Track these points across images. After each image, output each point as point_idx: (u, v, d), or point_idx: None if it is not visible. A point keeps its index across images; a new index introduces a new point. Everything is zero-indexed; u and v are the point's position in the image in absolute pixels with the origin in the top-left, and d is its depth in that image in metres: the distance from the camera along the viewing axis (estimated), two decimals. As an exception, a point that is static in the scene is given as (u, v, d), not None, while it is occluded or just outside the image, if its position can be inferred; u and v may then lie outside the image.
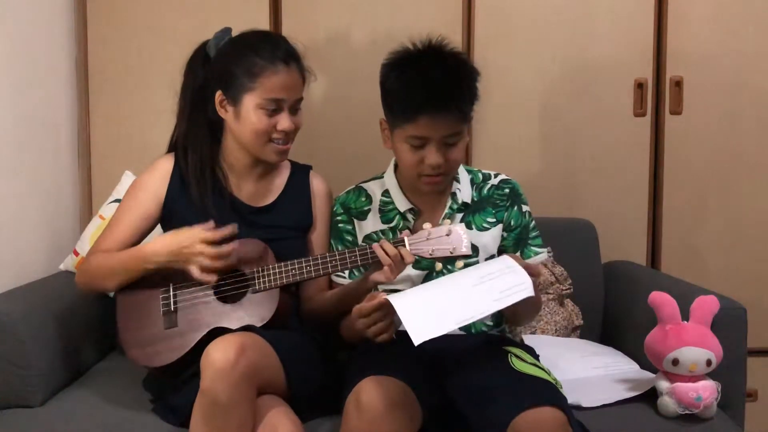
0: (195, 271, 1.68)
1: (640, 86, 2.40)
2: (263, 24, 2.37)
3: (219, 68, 1.81)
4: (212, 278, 1.69)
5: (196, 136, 1.84)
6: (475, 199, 1.84)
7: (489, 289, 1.49)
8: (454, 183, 1.82)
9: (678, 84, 2.40)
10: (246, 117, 1.76)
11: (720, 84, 2.41)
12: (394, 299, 1.50)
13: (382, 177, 1.89)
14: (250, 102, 1.75)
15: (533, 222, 1.85)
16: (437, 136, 1.68)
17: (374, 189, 1.88)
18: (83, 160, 2.43)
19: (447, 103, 1.65)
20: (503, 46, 2.40)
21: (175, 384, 1.70)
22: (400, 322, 1.60)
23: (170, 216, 1.85)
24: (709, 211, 2.44)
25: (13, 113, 2.06)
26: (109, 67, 2.40)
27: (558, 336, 2.16)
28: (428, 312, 1.48)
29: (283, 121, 1.77)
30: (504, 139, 2.42)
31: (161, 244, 1.73)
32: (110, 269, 1.77)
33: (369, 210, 1.85)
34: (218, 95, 1.79)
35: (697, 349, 1.70)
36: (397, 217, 1.83)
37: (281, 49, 1.78)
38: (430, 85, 1.65)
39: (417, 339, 1.42)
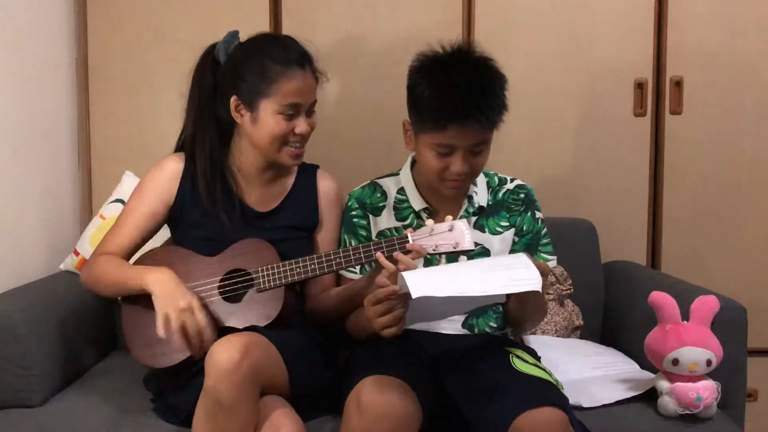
0: (161, 322, 1.64)
1: (640, 86, 2.40)
2: (263, 24, 2.36)
3: (232, 73, 1.79)
4: (167, 335, 1.65)
5: (204, 140, 1.83)
6: (490, 202, 1.84)
7: (497, 275, 1.48)
8: (471, 186, 1.82)
9: (678, 84, 2.40)
10: (264, 122, 1.76)
11: (720, 84, 2.40)
12: (404, 273, 1.48)
13: (398, 174, 1.88)
14: (268, 107, 1.75)
15: (545, 229, 1.85)
16: (465, 145, 1.67)
17: (389, 186, 1.87)
18: (83, 160, 2.43)
19: (477, 115, 1.64)
20: (503, 46, 2.38)
21: (176, 383, 1.70)
22: (412, 323, 1.60)
23: (178, 217, 1.85)
24: (709, 211, 2.44)
25: (13, 113, 2.06)
26: (109, 67, 2.40)
27: (558, 336, 2.16)
28: (432, 277, 1.47)
29: (301, 125, 1.77)
30: (504, 139, 2.38)
31: (154, 283, 1.69)
32: (112, 281, 1.77)
33: (384, 206, 1.85)
34: (234, 100, 1.78)
35: (697, 349, 1.70)
36: (412, 215, 1.83)
37: (294, 52, 1.78)
38: (462, 96, 1.63)
39: (415, 292, 1.40)
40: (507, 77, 1.75)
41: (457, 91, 1.64)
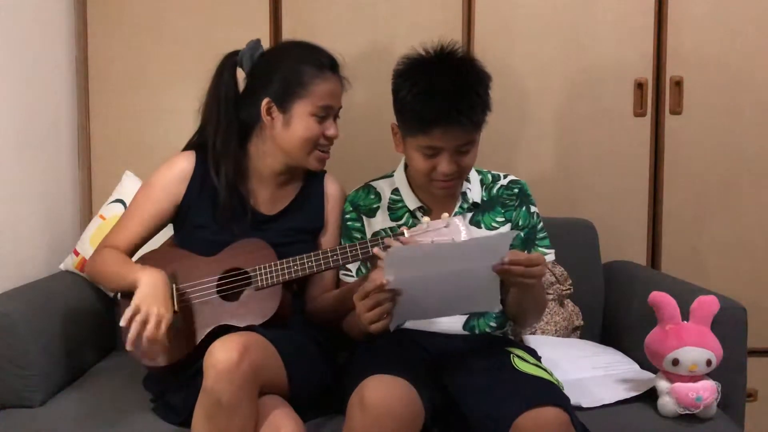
0: (129, 312, 1.63)
1: (640, 86, 2.40)
2: (263, 24, 2.36)
3: (265, 76, 1.81)
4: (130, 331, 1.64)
5: (229, 147, 1.83)
6: (485, 199, 1.85)
7: (478, 249, 1.53)
8: (465, 183, 1.82)
9: (678, 84, 2.40)
10: (297, 124, 1.78)
11: (720, 84, 2.40)
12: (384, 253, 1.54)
13: (392, 176, 1.89)
14: (302, 109, 1.77)
15: (541, 223, 1.86)
16: (450, 147, 1.68)
17: (384, 187, 1.88)
18: (83, 160, 2.43)
19: (459, 117, 1.65)
20: (503, 46, 2.40)
21: (175, 383, 1.70)
22: (402, 320, 1.61)
23: (184, 217, 1.85)
24: (709, 211, 2.44)
25: (13, 113, 2.06)
26: (109, 67, 2.40)
27: (558, 336, 2.16)
28: (411, 255, 1.51)
29: (331, 128, 1.81)
30: (504, 139, 2.41)
31: (146, 282, 1.68)
32: (111, 274, 1.78)
33: (378, 207, 1.86)
34: (266, 102, 1.79)
35: (697, 349, 1.70)
36: (407, 215, 1.83)
37: (326, 57, 1.82)
38: (443, 99, 1.64)
39: (389, 264, 1.46)
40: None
41: (438, 94, 1.65)
